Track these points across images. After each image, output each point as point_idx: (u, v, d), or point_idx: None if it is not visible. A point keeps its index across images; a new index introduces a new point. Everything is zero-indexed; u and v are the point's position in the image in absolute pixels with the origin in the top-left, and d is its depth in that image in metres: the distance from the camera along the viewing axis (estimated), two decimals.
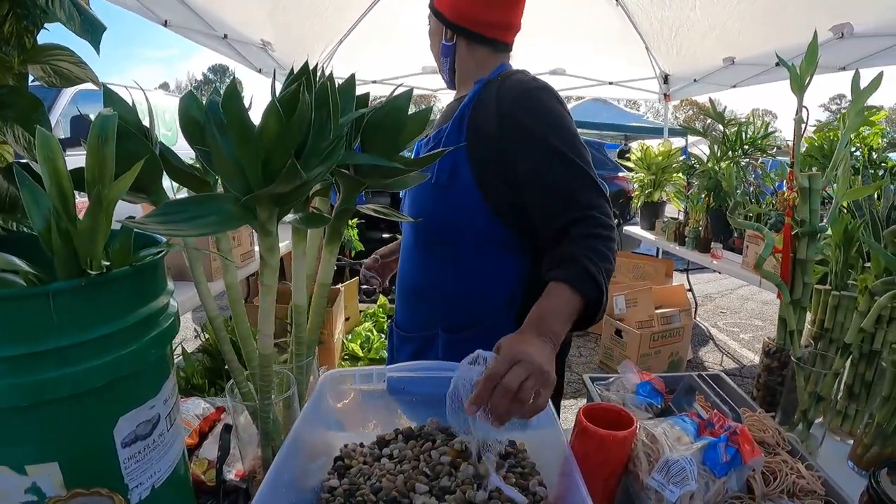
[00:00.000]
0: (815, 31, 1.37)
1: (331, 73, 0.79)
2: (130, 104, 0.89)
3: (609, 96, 9.32)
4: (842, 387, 1.32)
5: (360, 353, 3.63)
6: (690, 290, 5.47)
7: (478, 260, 1.42)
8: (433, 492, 0.89)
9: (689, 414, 1.05)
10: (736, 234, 3.98)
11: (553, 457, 0.94)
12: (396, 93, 0.94)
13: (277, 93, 0.91)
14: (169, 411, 0.83)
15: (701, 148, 8.58)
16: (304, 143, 0.73)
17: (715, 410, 1.06)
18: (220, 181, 0.92)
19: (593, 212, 1.22)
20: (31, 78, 0.94)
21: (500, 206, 1.36)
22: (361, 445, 1.06)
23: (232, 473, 1.05)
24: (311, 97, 0.72)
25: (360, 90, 0.93)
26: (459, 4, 1.47)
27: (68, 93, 5.55)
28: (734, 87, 5.64)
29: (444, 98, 7.69)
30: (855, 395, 1.31)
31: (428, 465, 0.96)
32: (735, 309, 6.13)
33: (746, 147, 4.19)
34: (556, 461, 0.92)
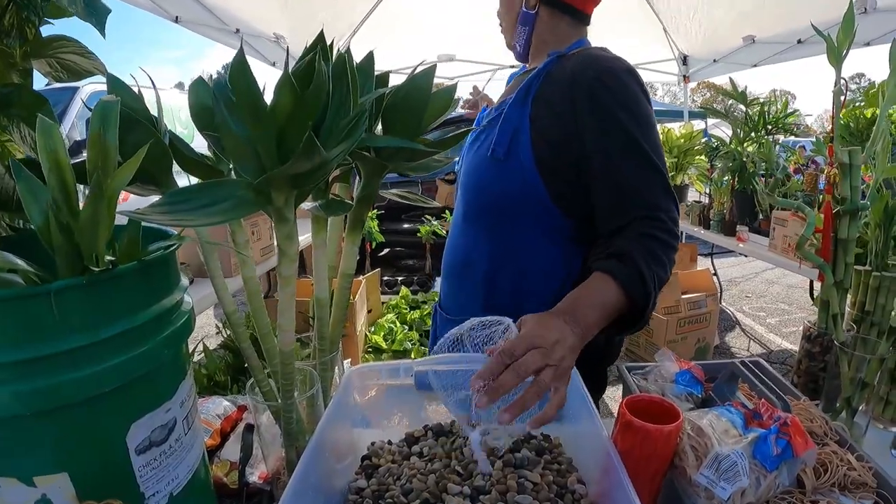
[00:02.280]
0: (851, 2, 1.29)
1: (348, 49, 0.73)
2: (137, 92, 0.84)
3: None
4: (885, 372, 1.25)
5: (384, 346, 3.59)
6: (715, 274, 5.37)
7: (526, 242, 1.31)
8: (466, 492, 0.85)
9: (734, 404, 1.00)
10: (762, 217, 3.89)
11: (592, 452, 0.89)
12: (417, 70, 0.88)
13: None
14: (186, 414, 0.79)
15: (722, 130, 8.44)
16: (321, 119, 0.68)
17: (762, 400, 1.01)
18: (233, 169, 0.88)
19: (661, 213, 1.13)
20: (45, 82, 0.94)
21: (560, 189, 1.25)
22: (389, 443, 1.02)
23: (255, 475, 1.01)
24: (327, 68, 0.66)
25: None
26: None
27: (83, 93, 5.55)
28: (755, 66, 5.53)
29: (463, 87, 7.64)
30: None
31: (460, 463, 0.91)
32: (760, 293, 6.03)
33: (770, 127, 4.09)
34: (596, 457, 0.87)
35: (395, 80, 0.88)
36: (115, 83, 0.83)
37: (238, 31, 4.65)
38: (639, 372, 1.21)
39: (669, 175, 1.18)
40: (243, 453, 1.02)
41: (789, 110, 4.11)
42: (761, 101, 4.22)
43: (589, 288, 1.04)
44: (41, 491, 0.64)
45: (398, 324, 3.91)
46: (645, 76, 7.39)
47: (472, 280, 1.40)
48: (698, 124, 7.94)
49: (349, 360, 2.65)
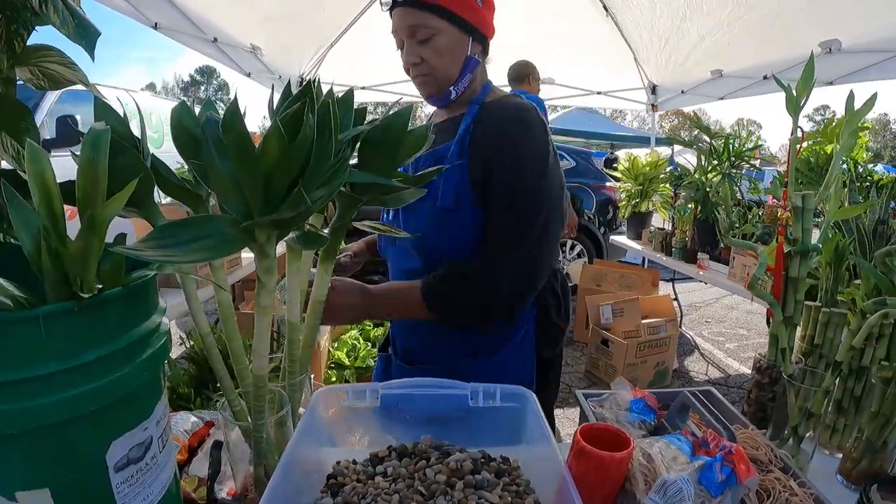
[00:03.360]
0: (812, 54, 1.38)
1: (331, 90, 0.78)
2: (122, 113, 0.86)
3: (597, 106, 9.38)
4: (831, 402, 1.32)
5: (347, 362, 3.60)
6: (676, 299, 5.50)
7: None
8: None
9: (684, 432, 1.05)
10: (722, 245, 4.00)
11: (548, 474, 0.93)
12: (396, 108, 0.93)
13: (275, 105, 0.90)
14: (161, 432, 0.81)
15: (686, 157, 8.63)
16: (305, 163, 0.71)
17: (710, 430, 1.06)
18: (212, 194, 0.90)
19: (493, 251, 1.34)
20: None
21: None
22: (354, 463, 1.04)
23: (224, 492, 1.03)
24: (314, 118, 0.70)
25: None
26: (477, 8, 1.39)
27: (55, 92, 5.48)
28: (721, 98, 5.70)
29: (431, 107, 7.69)
30: (844, 410, 1.32)
31: (423, 483, 0.95)
32: (720, 318, 6.17)
33: (733, 159, 4.22)
34: (552, 479, 0.92)
35: (368, 97, 0.93)
36: (101, 107, 0.85)
37: (216, 39, 4.67)
38: (595, 399, 1.27)
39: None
40: (212, 470, 1.04)
41: (754, 141, 4.23)
42: (726, 133, 4.36)
43: (401, 290, 1.41)
44: None
45: (361, 340, 3.92)
46: (615, 104, 7.58)
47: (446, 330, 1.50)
48: (666, 151, 8.13)
49: (312, 374, 2.65)
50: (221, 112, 0.83)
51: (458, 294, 1.34)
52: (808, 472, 1.20)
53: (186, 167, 0.89)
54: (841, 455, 1.28)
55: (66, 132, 4.85)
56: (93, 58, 0.86)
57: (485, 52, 1.48)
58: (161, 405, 0.82)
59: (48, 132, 5.00)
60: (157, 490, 0.80)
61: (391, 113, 0.90)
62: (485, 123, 1.36)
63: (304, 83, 0.81)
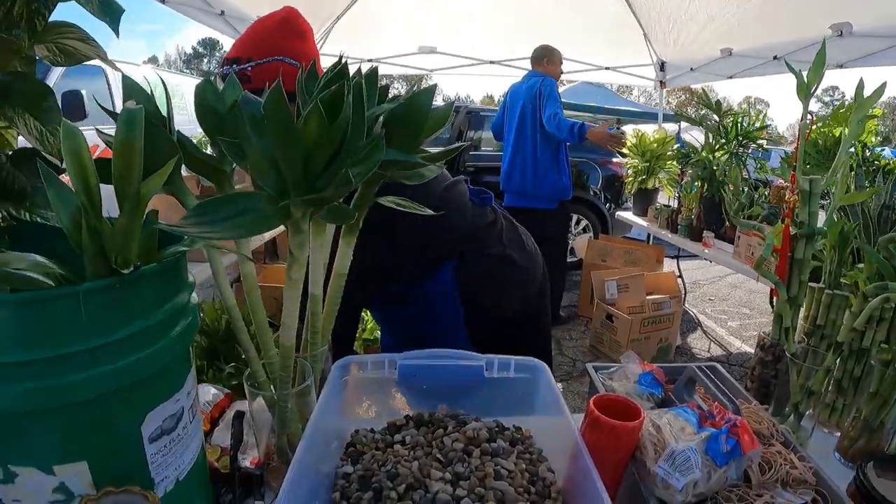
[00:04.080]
0: (824, 41, 1.39)
1: (359, 69, 0.80)
2: (149, 92, 0.88)
3: (605, 81, 9.34)
4: (831, 381, 1.36)
5: (356, 334, 3.64)
6: (680, 276, 5.52)
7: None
8: (448, 477, 0.92)
9: (691, 405, 1.09)
10: (728, 224, 4.02)
11: (561, 444, 0.97)
12: (418, 87, 0.95)
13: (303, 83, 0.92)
14: (191, 403, 0.84)
15: (693, 134, 8.60)
16: (342, 141, 0.74)
17: (716, 403, 1.10)
18: (235, 168, 0.93)
19: None
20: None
21: None
22: (372, 431, 1.08)
23: (247, 461, 1.07)
24: (352, 98, 0.72)
25: (355, 69, 0.92)
26: (294, 70, 1.41)
27: (60, 67, 5.45)
28: (731, 77, 5.67)
29: (437, 78, 7.68)
30: (843, 390, 1.35)
31: (441, 451, 0.99)
32: (723, 296, 6.21)
33: (741, 138, 4.22)
34: (564, 448, 0.95)
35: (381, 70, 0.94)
36: (129, 85, 0.86)
37: (223, 13, 4.66)
38: (605, 371, 1.30)
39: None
40: (234, 440, 1.07)
41: (762, 120, 4.23)
42: (736, 112, 4.36)
43: None
44: (60, 479, 0.68)
45: (368, 313, 3.95)
46: (623, 79, 7.54)
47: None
48: (672, 127, 8.11)
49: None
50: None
51: None
52: (807, 447, 1.23)
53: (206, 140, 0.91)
54: (839, 433, 1.31)
55: (73, 106, 4.84)
56: (118, 34, 0.87)
57: None
58: (191, 377, 0.85)
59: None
60: (187, 459, 0.83)
61: (415, 91, 0.92)
62: None
63: (341, 62, 0.84)
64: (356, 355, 1.11)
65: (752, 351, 4.24)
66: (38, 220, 0.87)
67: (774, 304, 1.46)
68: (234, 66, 1.42)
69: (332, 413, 1.03)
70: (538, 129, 4.51)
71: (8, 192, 0.86)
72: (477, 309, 1.63)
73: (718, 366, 1.42)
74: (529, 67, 4.84)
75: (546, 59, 4.67)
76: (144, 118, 0.69)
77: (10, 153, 0.89)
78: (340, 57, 0.89)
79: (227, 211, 0.73)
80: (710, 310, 5.74)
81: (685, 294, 5.77)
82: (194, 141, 0.90)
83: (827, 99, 56.19)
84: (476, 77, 7.42)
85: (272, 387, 1.00)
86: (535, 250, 1.82)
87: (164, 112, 0.86)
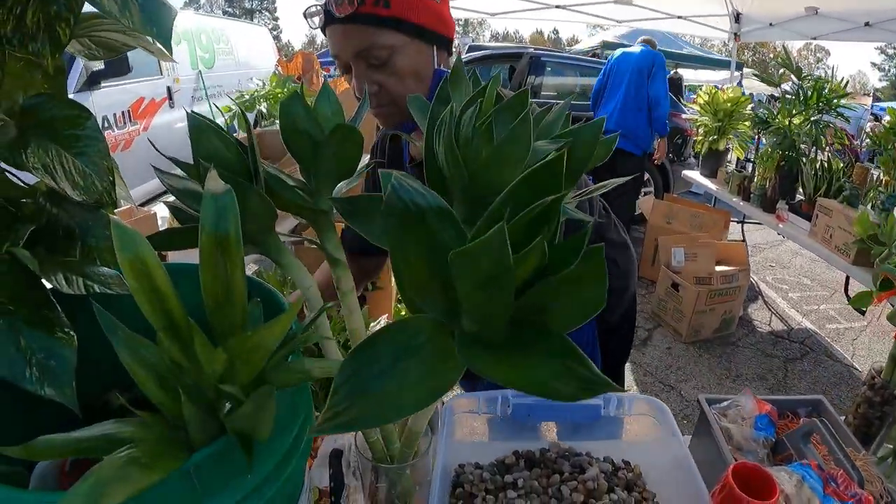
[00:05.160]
0: None
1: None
2: (222, 125, 0.71)
3: (678, 31, 8.91)
4: None
5: None
6: (744, 240, 5.37)
7: None
8: None
9: (812, 464, 1.05)
10: (804, 199, 3.85)
11: (677, 492, 0.95)
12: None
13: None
14: (308, 498, 0.76)
15: (751, 83, 8.15)
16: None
17: (841, 471, 1.05)
18: (325, 199, 0.74)
19: None
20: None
21: None
22: (478, 467, 1.05)
23: None
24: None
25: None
26: (435, 7, 1.15)
27: None
28: (813, 39, 5.34)
29: (493, 21, 7.42)
30: None
31: (559, 502, 0.96)
32: (784, 263, 6.03)
33: (822, 104, 3.99)
34: (682, 498, 0.93)
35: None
36: (198, 130, 0.65)
37: None
38: (717, 406, 1.25)
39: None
40: (334, 483, 0.96)
41: (838, 86, 3.97)
42: (817, 77, 4.11)
43: None
44: None
45: None
46: (694, 29, 7.18)
47: None
48: (721, 76, 7.72)
49: (385, 315, 2.68)
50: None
51: None
52: None
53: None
54: None
55: (115, 61, 4.73)
56: (170, 51, 0.70)
57: (450, 54, 1.24)
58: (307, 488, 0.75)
59: (96, 63, 4.87)
60: None
61: (580, 126, 0.69)
62: None
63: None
64: (465, 394, 1.07)
65: (812, 328, 4.19)
66: (96, 288, 0.64)
67: (853, 290, 1.39)
68: None
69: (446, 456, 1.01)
70: (643, 96, 5.13)
71: (52, 239, 0.68)
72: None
73: (823, 399, 1.36)
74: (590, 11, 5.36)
75: (651, 43, 5.45)
76: (230, 179, 0.54)
77: (45, 189, 0.71)
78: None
79: (385, 360, 0.49)
80: (770, 277, 5.59)
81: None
82: (245, 98, 0.69)
83: (891, 51, 52.53)
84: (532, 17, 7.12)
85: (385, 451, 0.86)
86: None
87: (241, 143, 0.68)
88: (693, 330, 4.08)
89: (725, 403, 1.26)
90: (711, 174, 5.13)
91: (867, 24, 4.41)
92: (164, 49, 0.73)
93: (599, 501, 0.95)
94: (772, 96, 7.50)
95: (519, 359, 0.44)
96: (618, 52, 5.49)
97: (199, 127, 0.67)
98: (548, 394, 0.40)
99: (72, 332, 0.60)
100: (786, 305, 4.91)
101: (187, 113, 0.69)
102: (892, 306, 1.35)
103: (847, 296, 3.29)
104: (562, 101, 0.75)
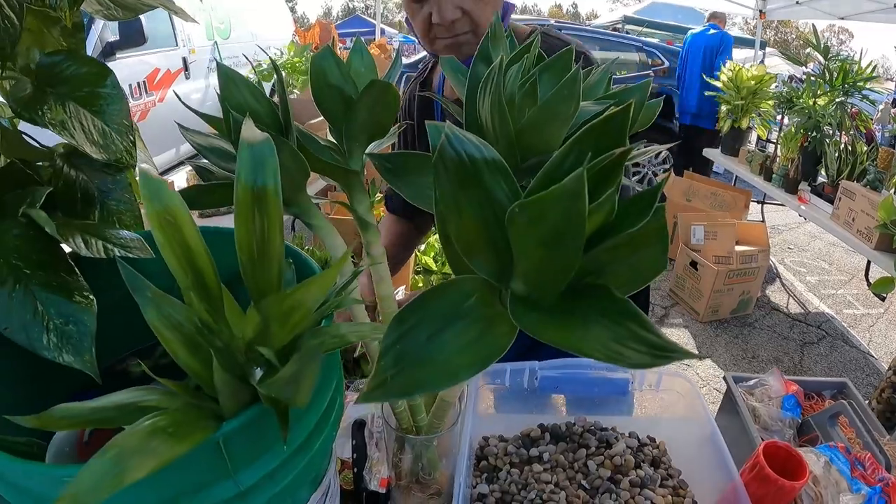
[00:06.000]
0: None
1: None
2: (255, 81, 0.67)
3: (700, 5, 8.73)
4: None
5: (434, 267, 3.61)
6: (763, 221, 5.30)
7: None
8: None
9: (839, 446, 1.03)
10: (827, 181, 3.78)
11: (703, 469, 0.93)
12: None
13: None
14: (334, 469, 0.70)
15: (773, 61, 8.01)
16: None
17: (868, 454, 1.03)
18: (362, 161, 0.73)
19: None
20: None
21: None
22: (503, 440, 1.04)
23: (374, 481, 0.93)
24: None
25: None
26: None
27: None
28: (842, 19, 5.21)
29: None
30: None
31: (585, 477, 0.95)
32: (802, 246, 5.96)
33: (848, 86, 3.91)
34: (708, 477, 0.91)
35: None
36: (228, 79, 0.64)
37: None
38: (744, 384, 1.23)
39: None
40: (357, 454, 0.94)
41: (869, 70, 3.88)
42: (844, 58, 4.02)
43: None
44: None
45: None
46: (716, 4, 7.02)
47: None
48: (747, 53, 7.60)
49: (403, 286, 2.66)
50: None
51: None
52: None
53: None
54: None
55: (131, 32, 4.65)
56: None
57: None
58: (333, 459, 0.69)
59: (111, 33, 4.72)
60: None
61: (629, 87, 0.66)
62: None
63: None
64: (494, 365, 1.05)
65: (830, 312, 4.16)
66: (117, 252, 0.60)
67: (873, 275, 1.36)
68: None
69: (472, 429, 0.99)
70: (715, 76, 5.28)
71: (70, 202, 0.66)
72: None
73: (848, 382, 1.33)
74: None
75: (720, 19, 6.12)
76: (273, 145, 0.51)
77: (65, 149, 0.69)
78: None
79: (433, 323, 0.46)
80: (788, 260, 5.52)
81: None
82: (262, 68, 0.67)
83: None
84: None
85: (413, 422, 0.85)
86: None
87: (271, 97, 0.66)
88: (710, 309, 4.04)
89: (752, 382, 1.24)
90: (733, 153, 5.05)
91: None
92: (186, 13, 0.73)
93: (626, 477, 0.94)
94: (791, 77, 7.36)
95: (578, 321, 0.41)
96: (689, 34, 6.23)
97: (229, 77, 0.65)
98: (613, 358, 0.38)
99: (91, 297, 0.58)
100: (803, 288, 4.85)
101: (217, 63, 0.66)
102: None
103: (868, 281, 3.23)
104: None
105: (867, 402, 1.36)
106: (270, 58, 0.80)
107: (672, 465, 1.00)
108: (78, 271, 0.59)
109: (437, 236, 4.00)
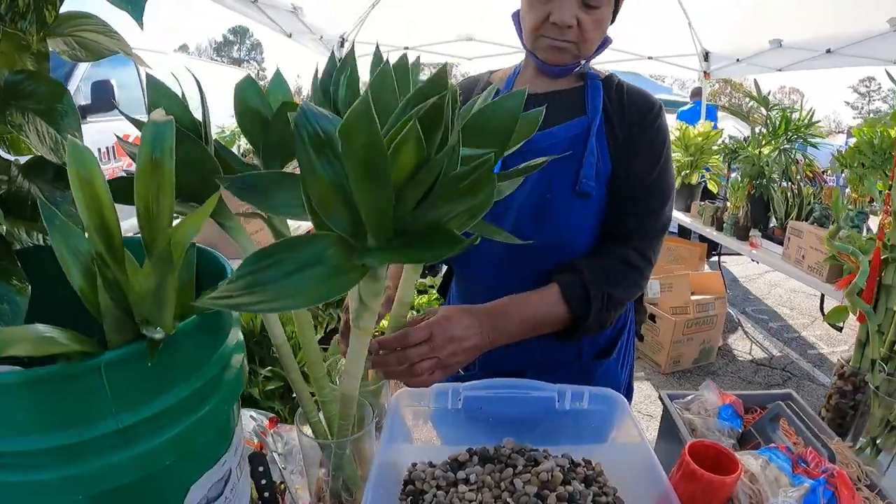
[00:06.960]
0: None
1: (444, 67, 0.65)
2: (179, 94, 0.74)
3: (648, 72, 9.11)
4: None
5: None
6: (720, 270, 5.37)
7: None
8: None
9: (780, 447, 1.01)
10: (776, 224, 3.87)
11: (639, 482, 0.90)
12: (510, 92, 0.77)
13: (319, 74, 0.79)
14: (238, 460, 0.73)
15: (730, 123, 8.37)
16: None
17: (809, 448, 1.01)
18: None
19: (645, 242, 1.19)
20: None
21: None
22: (432, 466, 1.01)
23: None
24: (453, 117, 0.57)
25: (393, 57, 0.74)
26: None
27: None
28: (780, 70, 5.46)
29: (468, 66, 7.51)
30: None
31: (511, 495, 0.91)
32: (763, 295, 6.04)
33: (790, 134, 4.06)
34: (643, 487, 0.88)
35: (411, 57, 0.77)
36: (155, 88, 0.73)
37: (255, 0, 4.60)
38: (680, 401, 1.21)
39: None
40: (261, 482, 0.92)
41: (809, 116, 4.05)
42: (784, 107, 4.19)
43: (529, 297, 1.12)
44: None
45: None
46: (664, 69, 7.36)
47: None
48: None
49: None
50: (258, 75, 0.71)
51: (613, 296, 1.14)
52: (881, 481, 1.14)
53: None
54: None
55: (102, 97, 4.71)
56: (141, 25, 0.73)
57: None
58: (238, 431, 0.73)
59: (83, 97, 4.83)
60: None
61: (502, 96, 0.76)
62: (621, 103, 1.21)
63: (441, 70, 0.65)
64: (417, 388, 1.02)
65: (794, 354, 4.16)
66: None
67: (827, 306, 1.37)
68: None
69: (392, 449, 0.96)
70: None
71: (20, 209, 0.73)
72: None
73: (794, 393, 1.33)
74: None
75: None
76: (179, 130, 0.58)
77: (25, 162, 0.77)
78: (377, 46, 0.80)
79: (289, 264, 0.56)
80: (750, 309, 5.58)
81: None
82: (227, 134, 0.80)
83: (863, 90, 54.45)
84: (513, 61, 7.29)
85: (327, 429, 0.90)
86: None
87: (197, 115, 0.74)
88: (672, 360, 4.04)
89: (689, 398, 1.22)
90: (686, 208, 5.16)
91: (829, 50, 4.52)
92: (140, 58, 0.81)
93: (554, 493, 0.90)
94: (746, 138, 7.70)
95: (417, 245, 0.52)
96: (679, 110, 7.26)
97: (156, 86, 0.74)
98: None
99: (27, 283, 0.65)
100: (766, 335, 4.89)
101: (147, 75, 0.76)
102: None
103: (822, 313, 3.27)
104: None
105: (817, 412, 1.34)
106: (194, 76, 0.83)
107: (608, 484, 0.97)
108: (18, 262, 0.67)
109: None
